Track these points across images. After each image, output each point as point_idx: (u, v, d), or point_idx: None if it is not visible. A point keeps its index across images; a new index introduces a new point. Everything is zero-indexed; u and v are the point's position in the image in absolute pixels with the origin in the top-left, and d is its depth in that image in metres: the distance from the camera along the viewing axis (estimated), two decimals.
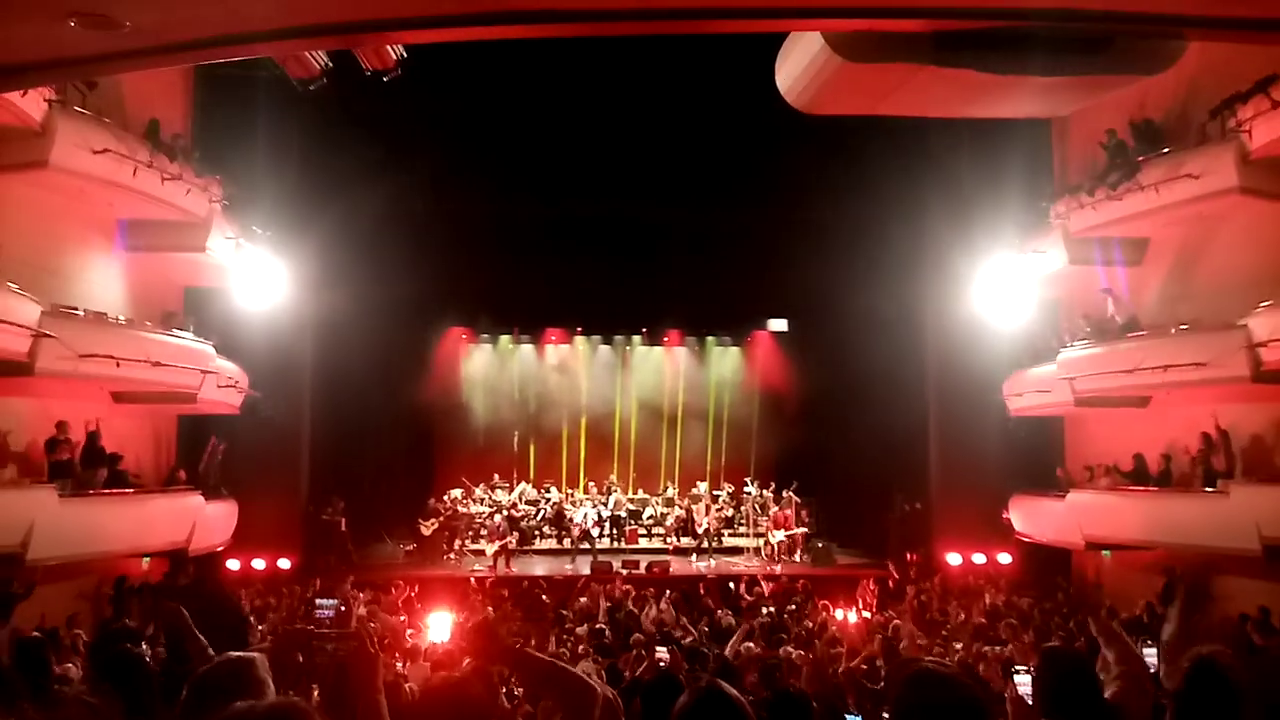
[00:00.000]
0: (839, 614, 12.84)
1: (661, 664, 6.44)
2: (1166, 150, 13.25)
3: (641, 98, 16.06)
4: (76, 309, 12.07)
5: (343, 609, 3.56)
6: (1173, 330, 13.16)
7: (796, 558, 18.16)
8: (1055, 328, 16.48)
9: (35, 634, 7.27)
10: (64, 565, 11.53)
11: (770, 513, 18.92)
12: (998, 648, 9.37)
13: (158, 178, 13.03)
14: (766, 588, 14.20)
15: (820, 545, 18.42)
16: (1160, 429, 14.20)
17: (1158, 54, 7.43)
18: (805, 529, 18.57)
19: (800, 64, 7.66)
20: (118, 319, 13.11)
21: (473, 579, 15.51)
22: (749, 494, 20.05)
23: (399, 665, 7.82)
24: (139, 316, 13.92)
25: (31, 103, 10.72)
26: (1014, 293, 15.78)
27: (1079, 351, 14.77)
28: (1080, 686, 3.18)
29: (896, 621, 11.40)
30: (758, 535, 19.10)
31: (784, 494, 19.05)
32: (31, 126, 10.94)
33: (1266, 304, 11.54)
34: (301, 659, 3.23)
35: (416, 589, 14.00)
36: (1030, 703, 5.61)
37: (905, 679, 2.57)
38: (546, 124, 16.86)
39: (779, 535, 17.90)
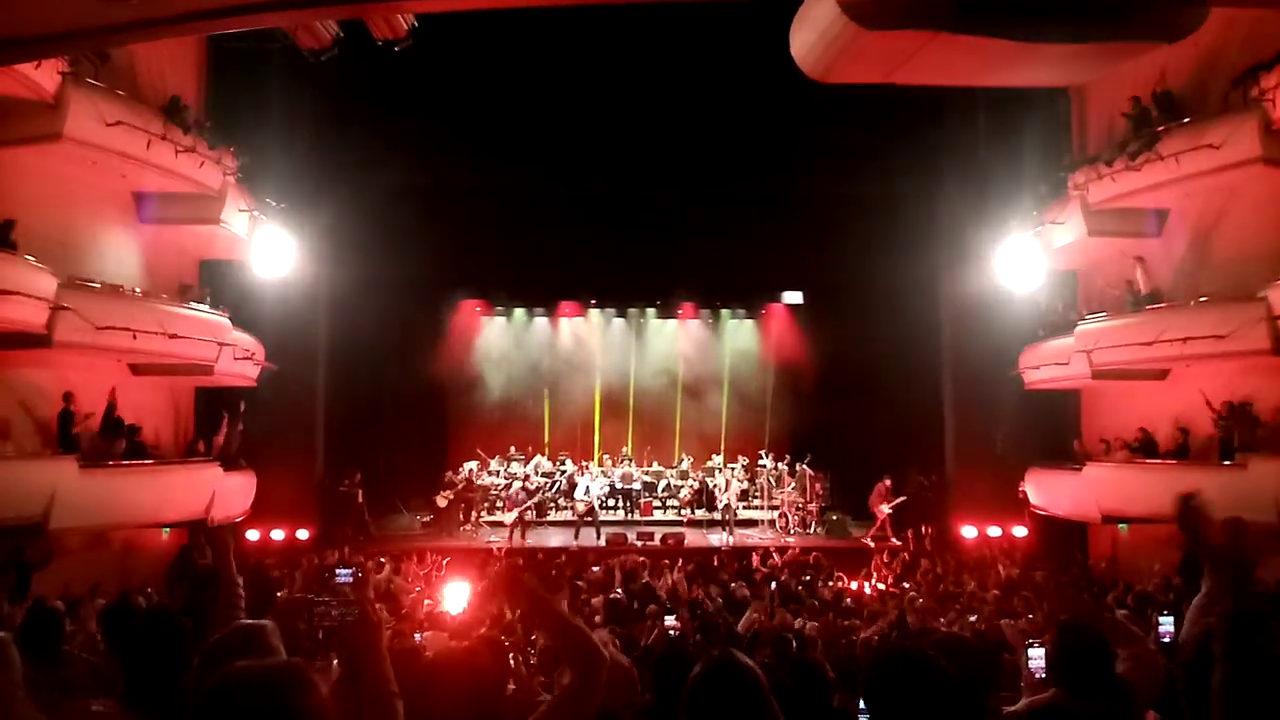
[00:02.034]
0: (853, 586, 12.89)
1: (672, 632, 6.46)
2: (1187, 120, 13.06)
3: (655, 68, 15.90)
4: (93, 281, 12.15)
5: (359, 575, 3.58)
6: (1192, 302, 13.03)
7: (811, 530, 18.23)
8: (1072, 300, 16.34)
9: (56, 604, 7.39)
10: (86, 535, 11.68)
11: (788, 485, 18.91)
12: (1012, 620, 9.35)
13: (171, 150, 13.05)
14: (780, 560, 14.24)
15: (835, 518, 18.44)
16: (1179, 402, 14.09)
17: (1179, 20, 7.28)
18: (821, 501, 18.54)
19: (815, 31, 7.53)
20: (134, 291, 13.20)
21: (496, 549, 15.64)
22: (763, 466, 20.07)
23: (417, 636, 7.88)
24: (154, 289, 14.01)
25: (45, 75, 10.74)
26: (1031, 264, 15.64)
27: (1097, 324, 14.65)
28: (1094, 660, 3.17)
29: (911, 594, 11.42)
30: (772, 508, 19.15)
31: (797, 467, 19.05)
32: (45, 99, 10.97)
33: None
34: (303, 627, 3.25)
35: (448, 560, 14.14)
36: (1041, 676, 5.58)
37: (874, 658, 2.54)
38: (560, 95, 16.74)
39: (885, 509, 17.68)
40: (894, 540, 17.02)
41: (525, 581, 3.01)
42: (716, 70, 15.80)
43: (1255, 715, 2.13)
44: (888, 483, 17.84)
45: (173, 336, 12.99)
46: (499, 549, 15.69)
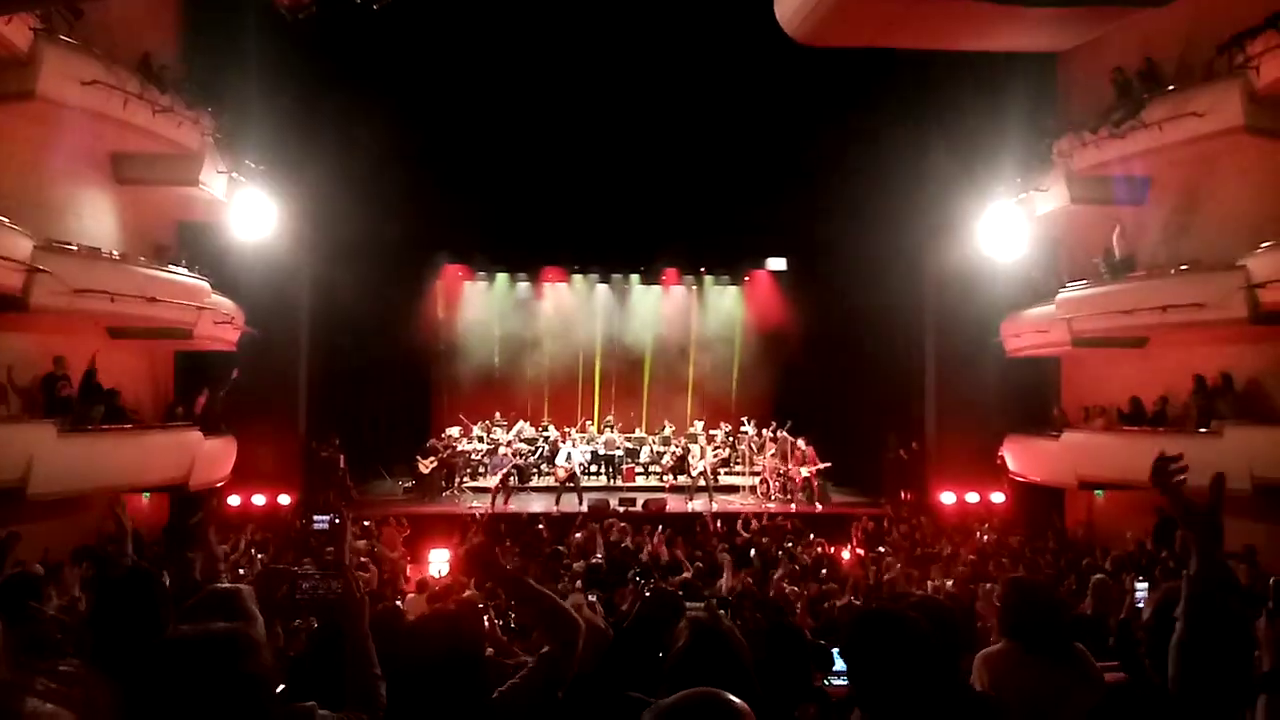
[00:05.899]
0: (832, 551, 13.01)
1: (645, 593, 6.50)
2: (1172, 88, 13.05)
3: (639, 33, 15.72)
4: (69, 244, 11.98)
5: (336, 521, 3.56)
6: (1172, 271, 13.10)
7: (791, 496, 18.33)
8: (1055, 267, 16.39)
9: (36, 568, 7.40)
10: (66, 501, 11.59)
11: (769, 452, 18.94)
12: (989, 584, 9.48)
13: (148, 110, 12.87)
14: (760, 525, 14.33)
15: (816, 483, 18.55)
16: (1157, 370, 14.21)
17: None
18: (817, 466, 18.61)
19: None
20: (111, 254, 13.02)
21: (478, 514, 15.66)
22: (745, 433, 20.13)
23: (398, 601, 7.92)
24: (132, 251, 13.83)
25: (17, 31, 10.53)
26: (1014, 232, 15.67)
27: (1078, 291, 14.73)
28: (1043, 613, 3.40)
29: (889, 558, 11.54)
30: (754, 474, 19.24)
31: (778, 433, 19.03)
32: (18, 55, 10.76)
33: (1266, 245, 11.47)
34: (284, 596, 3.25)
35: (430, 519, 14.26)
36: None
37: (853, 620, 2.57)
38: (545, 58, 16.52)
39: (804, 471, 17.82)
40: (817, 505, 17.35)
41: (497, 562, 3.03)
42: (700, 34, 15.63)
43: (1211, 673, 2.16)
44: (802, 444, 18.02)
45: (151, 300, 12.86)
46: (481, 514, 15.72)
